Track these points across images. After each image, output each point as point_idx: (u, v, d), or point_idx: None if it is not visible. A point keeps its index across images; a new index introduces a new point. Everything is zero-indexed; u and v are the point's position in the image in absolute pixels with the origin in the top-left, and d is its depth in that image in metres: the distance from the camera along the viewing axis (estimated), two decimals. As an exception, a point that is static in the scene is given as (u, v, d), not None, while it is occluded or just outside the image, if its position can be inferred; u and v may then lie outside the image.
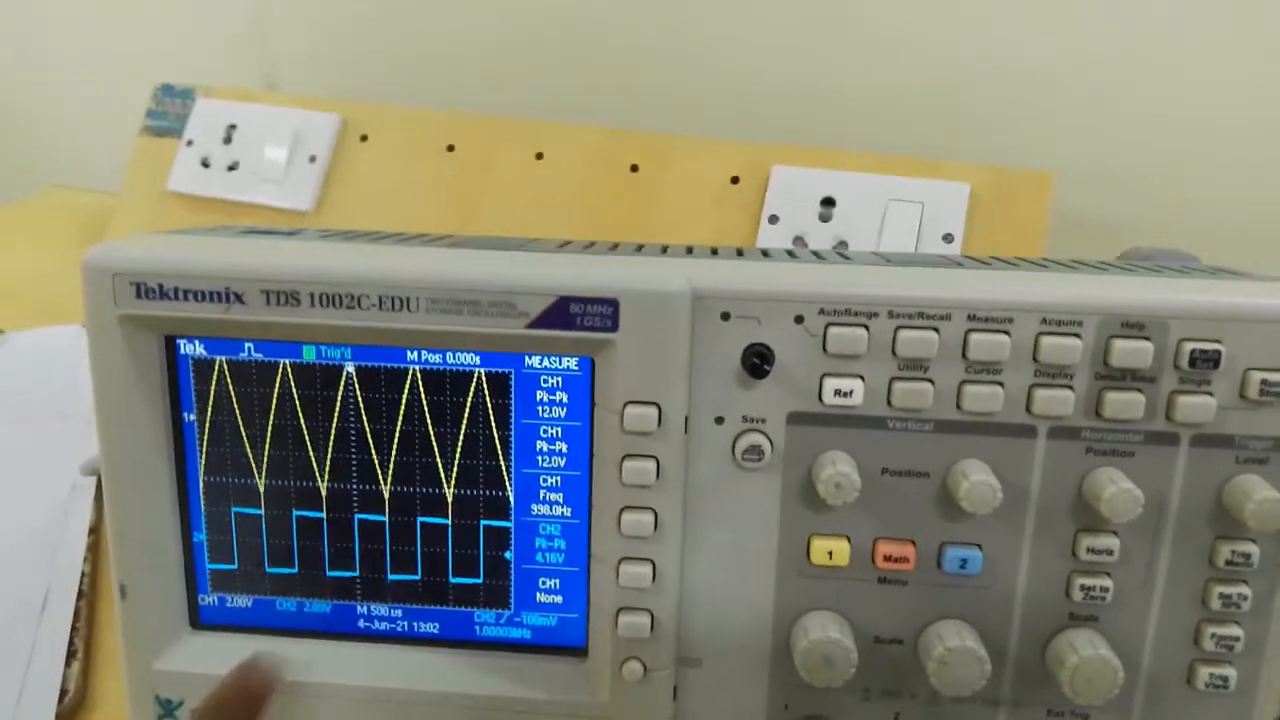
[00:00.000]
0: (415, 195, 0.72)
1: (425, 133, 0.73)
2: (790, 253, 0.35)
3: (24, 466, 0.53)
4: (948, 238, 0.65)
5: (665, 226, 0.68)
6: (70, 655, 0.42)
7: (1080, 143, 0.72)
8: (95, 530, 0.49)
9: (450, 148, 0.72)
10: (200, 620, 0.35)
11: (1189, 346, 0.30)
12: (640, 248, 0.35)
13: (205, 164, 0.75)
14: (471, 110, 0.74)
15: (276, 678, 0.32)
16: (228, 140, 0.75)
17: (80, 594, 0.45)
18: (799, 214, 0.67)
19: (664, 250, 0.35)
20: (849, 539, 0.32)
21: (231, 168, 0.74)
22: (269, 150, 0.73)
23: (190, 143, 0.75)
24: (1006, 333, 0.30)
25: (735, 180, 0.69)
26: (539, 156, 0.72)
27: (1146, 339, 0.30)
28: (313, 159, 0.73)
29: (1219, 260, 0.51)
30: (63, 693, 0.40)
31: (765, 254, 0.35)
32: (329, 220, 0.72)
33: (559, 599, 0.34)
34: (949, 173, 0.65)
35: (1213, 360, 0.30)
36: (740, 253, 0.35)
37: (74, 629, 0.43)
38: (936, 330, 0.30)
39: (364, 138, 0.74)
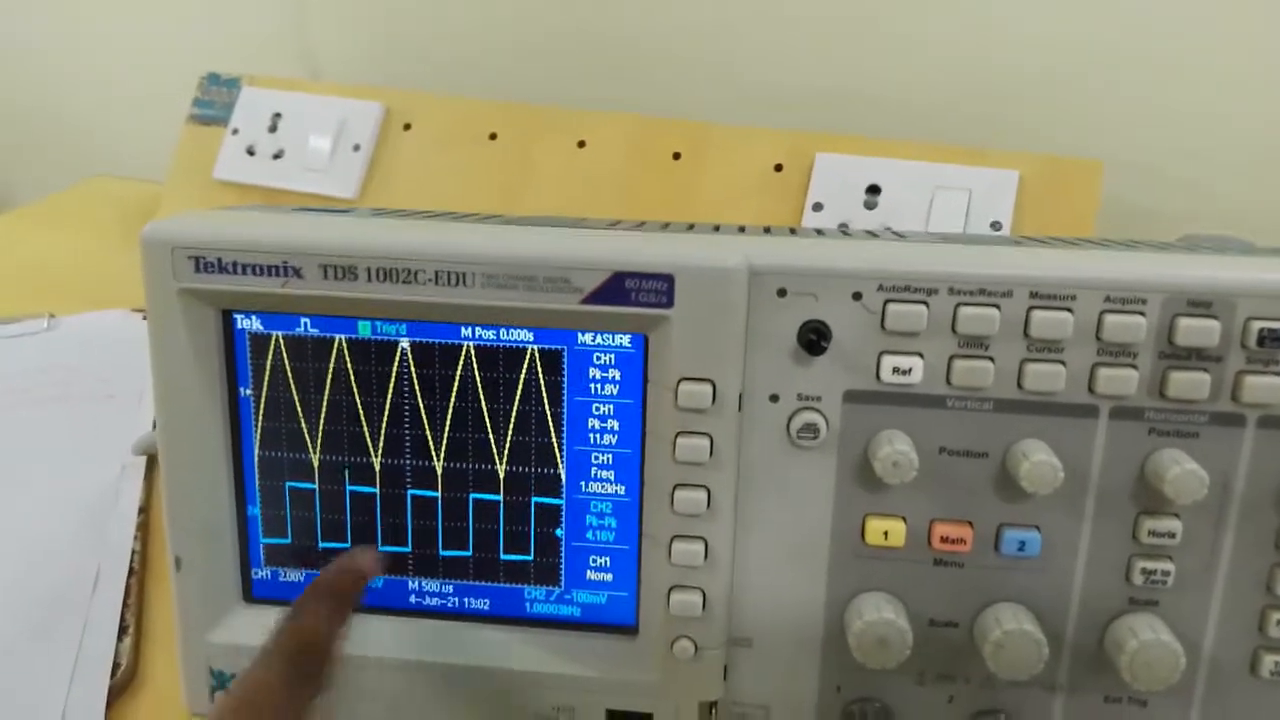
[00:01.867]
0: (458, 183, 0.72)
1: (467, 121, 0.73)
2: (844, 230, 0.35)
3: (75, 446, 0.54)
4: (996, 225, 0.64)
5: (708, 214, 0.68)
6: (122, 630, 0.43)
7: (1129, 134, 0.71)
8: (145, 509, 0.49)
9: (493, 136, 0.72)
10: (253, 593, 0.35)
11: (1257, 325, 0.29)
12: (692, 226, 0.35)
13: (250, 152, 0.75)
14: (513, 99, 0.74)
15: (379, 561, 0.32)
16: (273, 129, 0.75)
17: (131, 571, 0.46)
18: (844, 201, 0.66)
19: (716, 229, 0.35)
20: (905, 519, 0.32)
21: (276, 156, 0.75)
22: (313, 139, 0.74)
23: (236, 131, 0.76)
24: (1069, 310, 0.30)
25: (779, 168, 0.68)
26: (581, 145, 0.72)
27: (1213, 317, 0.29)
28: (357, 147, 0.73)
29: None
30: (115, 666, 0.41)
31: (820, 233, 0.35)
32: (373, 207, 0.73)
33: (609, 576, 0.34)
34: (997, 161, 0.65)
35: (1282, 339, 0.29)
36: (793, 231, 0.35)
37: (125, 605, 0.44)
38: (998, 307, 0.30)
39: (407, 126, 0.74)
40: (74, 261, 0.77)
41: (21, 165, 1.05)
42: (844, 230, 0.35)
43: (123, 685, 0.41)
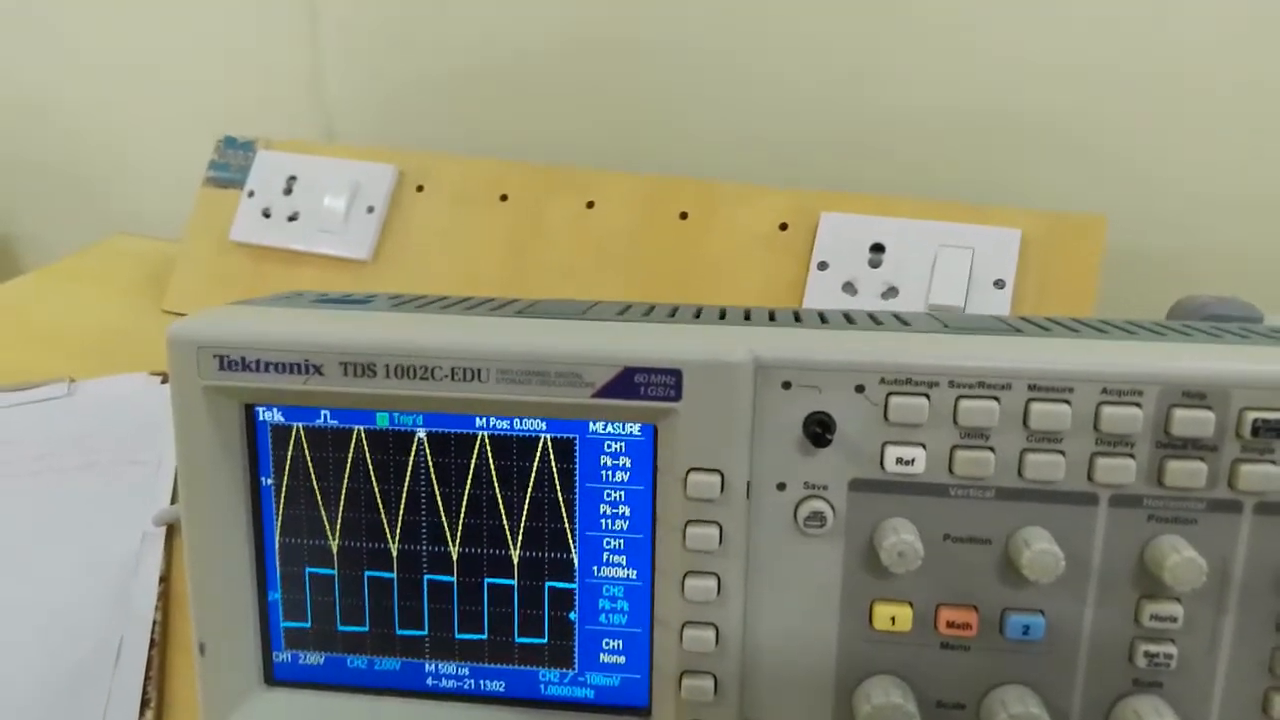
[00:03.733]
0: (470, 244, 0.73)
1: (479, 182, 0.74)
2: (848, 316, 0.36)
3: (95, 512, 0.55)
4: (999, 284, 0.65)
5: (716, 274, 0.69)
6: (144, 705, 0.43)
7: (1131, 182, 0.72)
8: (166, 579, 0.50)
9: (503, 197, 0.74)
10: (275, 676, 0.36)
11: (1251, 416, 0.30)
12: (699, 313, 0.36)
13: (266, 214, 0.77)
14: (524, 156, 0.76)
15: None
16: (288, 191, 0.77)
17: (152, 643, 0.46)
18: (848, 260, 0.67)
19: (722, 315, 0.36)
20: (911, 604, 0.32)
21: (292, 218, 0.76)
22: (328, 201, 0.75)
23: (251, 194, 0.78)
24: (1067, 402, 0.31)
25: (784, 227, 0.70)
26: (590, 205, 0.73)
27: (1208, 408, 0.30)
28: (370, 209, 0.75)
29: (1265, 302, 0.51)
30: (138, 740, 0.41)
31: (823, 319, 0.35)
32: (387, 269, 0.74)
33: (622, 659, 0.35)
34: (1000, 218, 0.66)
35: (1276, 430, 0.30)
36: (798, 317, 0.36)
37: (147, 677, 0.45)
38: (997, 400, 0.31)
39: (420, 188, 0.76)
40: (93, 322, 0.79)
41: (41, 223, 1.07)
42: (852, 311, 0.35)
43: (144, 761, 0.41)
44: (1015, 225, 0.65)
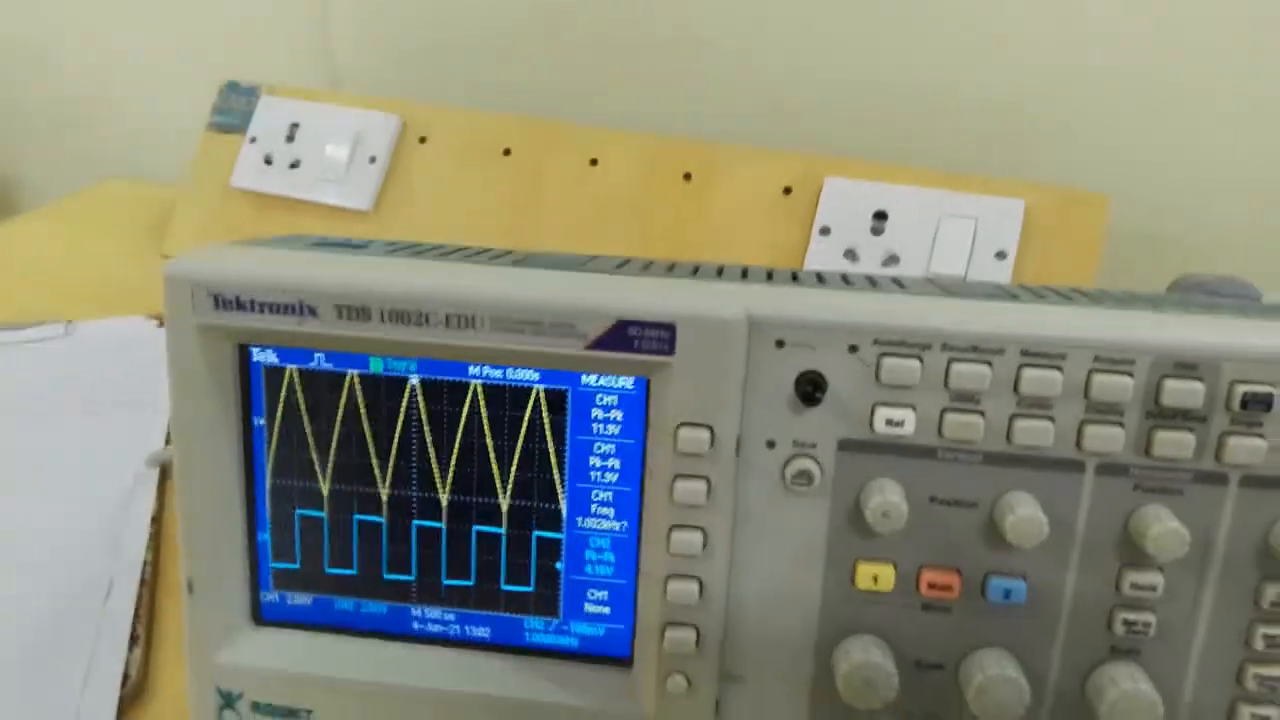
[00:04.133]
0: (472, 198, 0.73)
1: (482, 136, 0.74)
2: (845, 278, 0.36)
3: (92, 454, 0.55)
4: (1001, 255, 0.65)
5: (717, 236, 0.69)
6: (132, 641, 0.44)
7: (1134, 161, 0.72)
8: (157, 520, 0.51)
9: (506, 151, 0.74)
10: (262, 616, 0.36)
11: (1241, 389, 0.30)
12: (696, 270, 0.36)
13: (268, 161, 0.77)
14: (529, 109, 0.75)
15: None
16: (290, 138, 0.77)
17: (142, 582, 0.47)
18: (851, 227, 0.67)
19: (719, 273, 0.36)
20: (895, 565, 0.33)
21: (293, 166, 0.76)
22: (330, 150, 0.75)
23: (254, 140, 0.77)
24: (1059, 369, 0.31)
25: (788, 191, 0.69)
26: (593, 163, 0.73)
27: (1199, 380, 0.30)
28: (373, 159, 0.75)
29: (1267, 281, 0.51)
30: (125, 677, 0.42)
31: (820, 279, 0.35)
32: (387, 220, 0.74)
33: (607, 610, 0.35)
34: (1003, 189, 0.65)
35: (1265, 403, 0.30)
36: (795, 277, 0.36)
37: (136, 616, 0.45)
38: (989, 364, 0.31)
39: (423, 139, 0.75)
40: (88, 265, 0.78)
41: (39, 167, 1.06)
42: (849, 272, 0.35)
43: (132, 696, 0.42)
44: (1018, 197, 0.65)
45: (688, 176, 0.71)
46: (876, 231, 0.67)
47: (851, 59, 0.76)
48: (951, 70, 0.74)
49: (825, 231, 0.67)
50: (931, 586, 0.32)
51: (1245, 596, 0.32)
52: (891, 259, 0.66)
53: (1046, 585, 0.32)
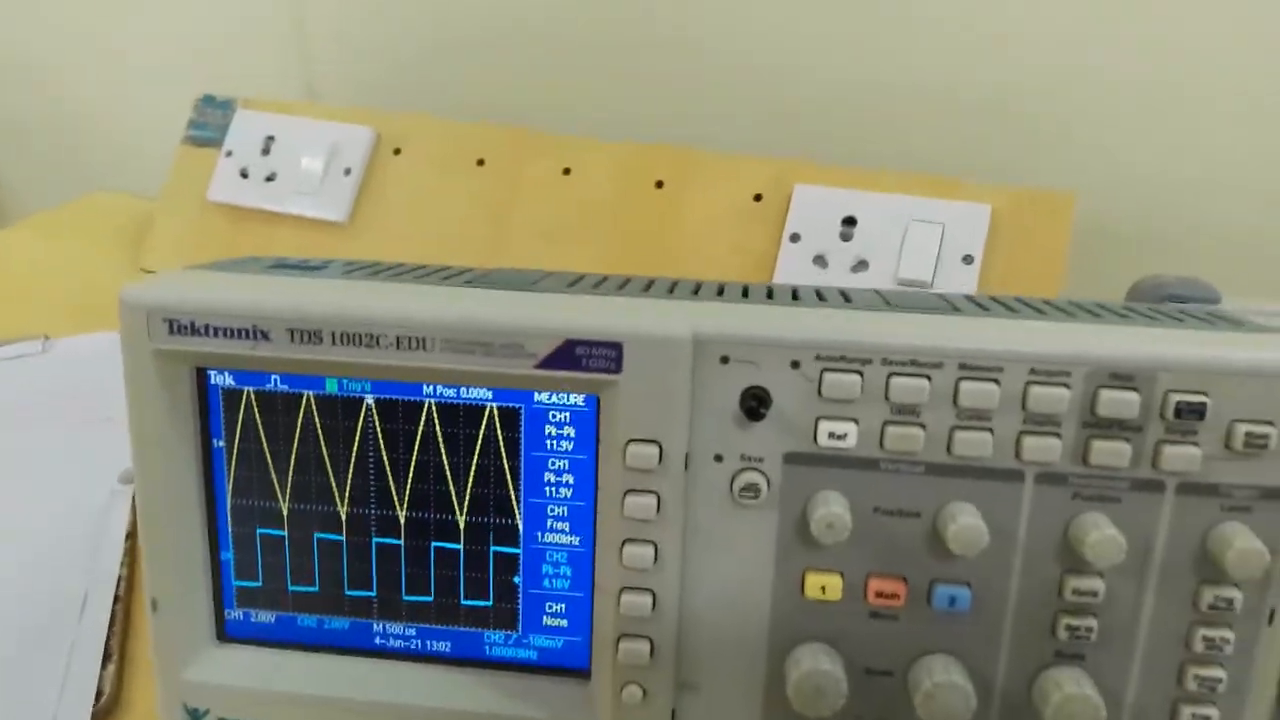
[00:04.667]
0: (447, 209, 0.74)
1: (456, 146, 0.74)
2: (795, 293, 0.36)
3: (67, 470, 0.56)
4: (968, 259, 0.65)
5: (689, 244, 0.70)
6: (106, 657, 0.44)
7: (1098, 162, 0.72)
8: (132, 535, 0.51)
9: (480, 162, 0.74)
10: (226, 633, 0.37)
11: (1175, 398, 0.31)
12: (650, 285, 0.37)
13: (244, 174, 0.77)
14: (502, 119, 0.76)
15: None
16: (266, 151, 0.77)
17: (116, 598, 0.47)
18: (820, 233, 0.68)
19: (671, 289, 0.36)
20: (842, 575, 0.33)
21: (269, 179, 0.76)
22: (306, 162, 0.75)
23: (230, 153, 0.78)
24: (996, 381, 0.31)
25: (758, 198, 0.70)
26: (566, 171, 0.73)
27: (1134, 390, 0.31)
28: (348, 171, 0.75)
29: (1238, 280, 0.52)
30: (99, 693, 0.43)
31: (770, 294, 0.36)
32: (362, 232, 0.74)
33: (564, 623, 0.36)
34: (970, 194, 0.66)
35: (1198, 412, 0.31)
36: (746, 292, 0.36)
37: (110, 631, 0.46)
38: (928, 378, 0.31)
39: (397, 151, 0.76)
40: (69, 278, 0.79)
41: (18, 180, 1.07)
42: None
43: (105, 712, 0.42)
44: (986, 201, 0.65)
45: (660, 184, 0.72)
46: (845, 237, 0.67)
47: (826, 60, 0.77)
48: (932, 71, 0.74)
49: (795, 238, 0.68)
50: (878, 595, 0.33)
51: (1184, 600, 0.33)
52: (860, 264, 0.67)
53: (991, 592, 0.33)
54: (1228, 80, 0.68)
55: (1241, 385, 0.31)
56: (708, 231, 0.70)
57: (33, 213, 0.96)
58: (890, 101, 0.76)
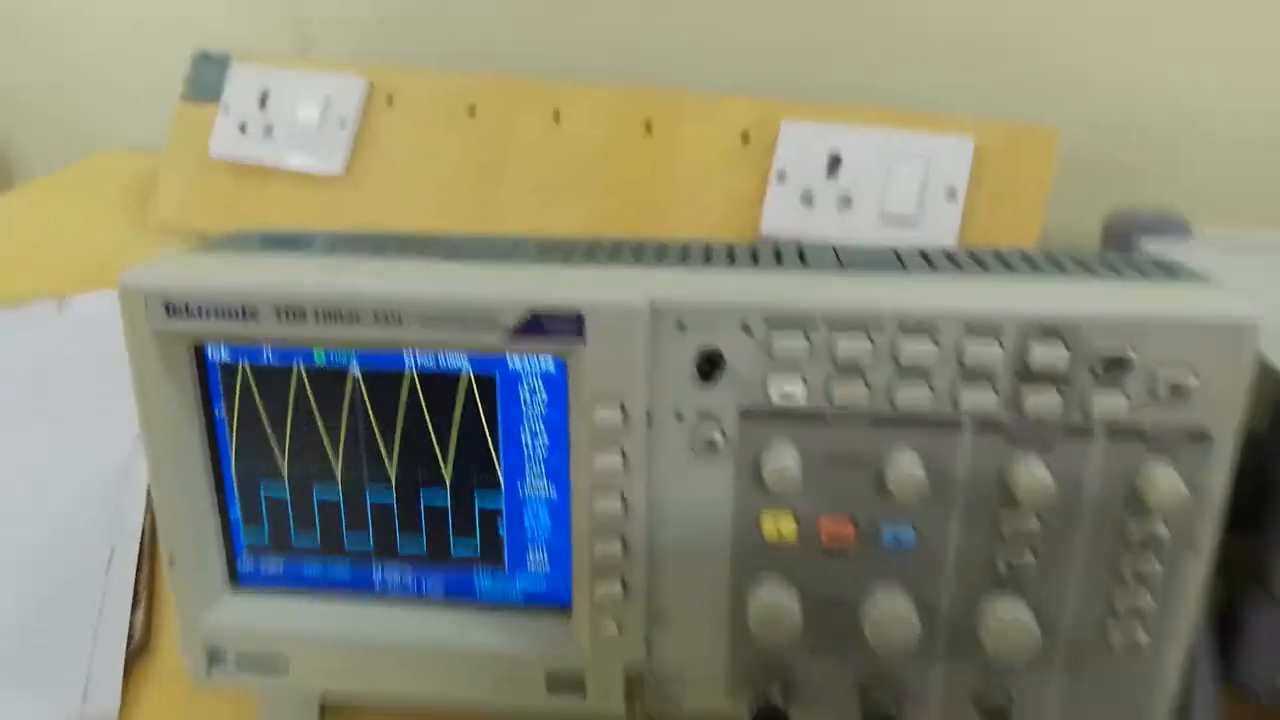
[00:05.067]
0: (440, 158, 0.75)
1: (447, 95, 0.76)
2: (754, 255, 0.38)
3: (88, 428, 0.59)
4: (951, 193, 0.67)
5: (678, 186, 0.71)
6: (135, 603, 0.48)
7: (1085, 94, 0.73)
8: (154, 488, 0.55)
9: (471, 110, 0.76)
10: (240, 582, 0.40)
11: (1101, 351, 0.33)
12: (615, 251, 0.39)
13: (242, 129, 0.79)
14: (490, 66, 0.77)
15: None
16: (262, 104, 0.79)
17: (141, 548, 0.51)
18: (806, 171, 0.69)
19: (636, 255, 0.38)
20: (796, 518, 0.36)
21: (267, 132, 0.78)
22: (300, 114, 0.77)
23: (228, 108, 0.80)
24: (934, 339, 0.33)
25: (745, 138, 0.71)
26: (556, 117, 0.74)
27: (1063, 344, 0.33)
28: (342, 123, 0.77)
29: (1214, 213, 0.53)
30: (129, 637, 0.46)
31: (731, 256, 0.38)
32: (359, 183, 0.76)
33: (546, 566, 0.39)
34: (954, 127, 0.67)
35: (1123, 364, 0.33)
36: (708, 255, 0.38)
37: (137, 580, 0.50)
38: (870, 339, 0.34)
39: (390, 99, 0.77)
40: (81, 238, 0.82)
41: (23, 141, 1.09)
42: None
43: (137, 653, 0.46)
44: (970, 135, 0.66)
45: (649, 128, 0.73)
46: (831, 175, 0.69)
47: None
48: (913, 6, 0.74)
49: (781, 177, 0.70)
50: (830, 535, 0.36)
51: (1114, 535, 0.35)
52: (845, 201, 0.68)
53: (934, 531, 0.36)
54: (1205, 10, 0.68)
55: (1162, 337, 0.33)
56: (697, 176, 0.71)
57: (35, 175, 0.99)
58: (874, 38, 0.76)
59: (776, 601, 0.36)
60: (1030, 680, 0.37)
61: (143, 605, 0.48)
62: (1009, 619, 0.35)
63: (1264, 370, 0.34)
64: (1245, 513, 0.37)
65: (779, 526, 0.36)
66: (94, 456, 0.57)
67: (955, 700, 0.38)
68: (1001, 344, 0.33)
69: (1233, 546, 0.37)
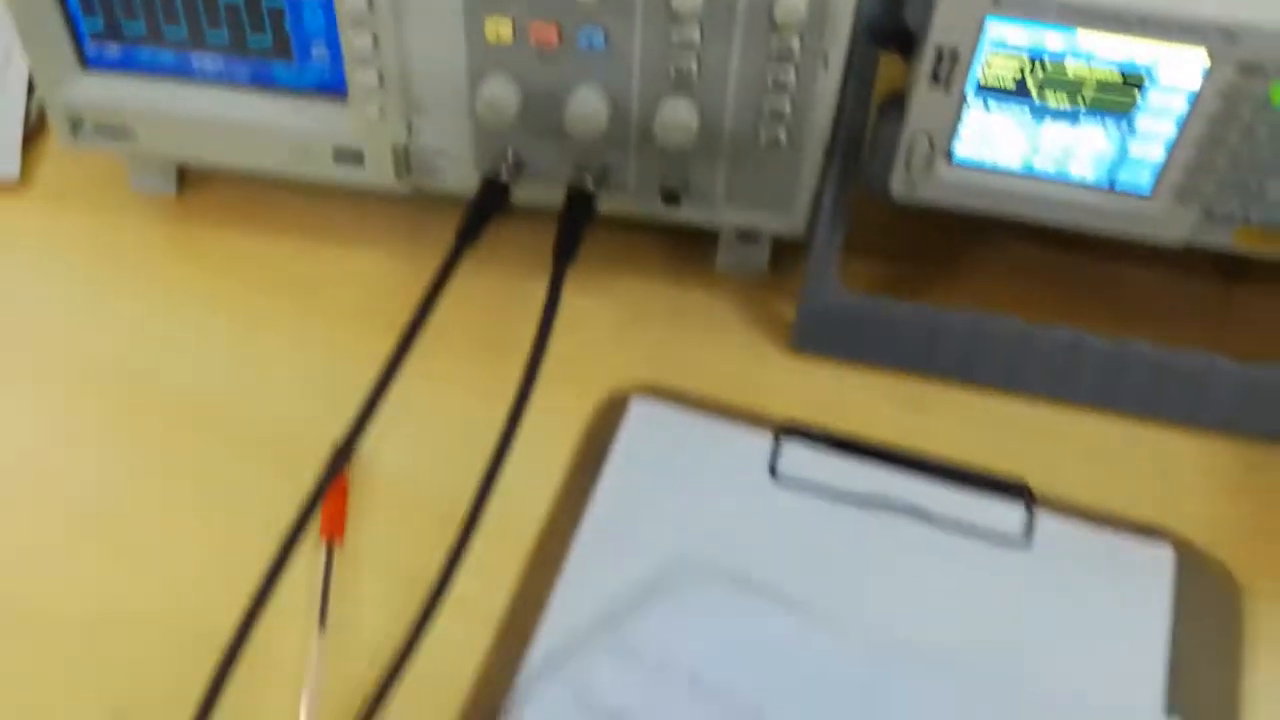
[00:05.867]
0: None
1: None
2: None
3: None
4: None
5: None
6: (30, 91, 0.58)
7: None
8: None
9: None
10: (88, 65, 0.50)
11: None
12: None
13: None
14: None
15: None
16: None
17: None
18: None
19: None
20: (512, 21, 0.44)
21: None
22: None
23: None
24: None
25: None
26: None
27: None
28: None
29: None
30: (26, 117, 0.57)
31: None
32: None
33: (327, 59, 0.48)
34: None
35: (760, -109, 0.39)
36: None
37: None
38: None
39: None
40: None
41: None
42: None
43: (34, 133, 0.57)
44: None
45: None
46: None
47: None
48: None
49: None
50: (538, 38, 0.44)
51: (760, 47, 0.43)
52: None
53: (620, 36, 0.44)
54: None
55: None
56: None
57: None
58: None
59: (496, 93, 0.45)
60: (700, 169, 0.47)
61: (37, 94, 0.58)
62: (671, 114, 0.45)
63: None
64: (896, 36, 0.45)
65: (498, 30, 0.44)
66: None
67: (645, 184, 0.48)
68: None
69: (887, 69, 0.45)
